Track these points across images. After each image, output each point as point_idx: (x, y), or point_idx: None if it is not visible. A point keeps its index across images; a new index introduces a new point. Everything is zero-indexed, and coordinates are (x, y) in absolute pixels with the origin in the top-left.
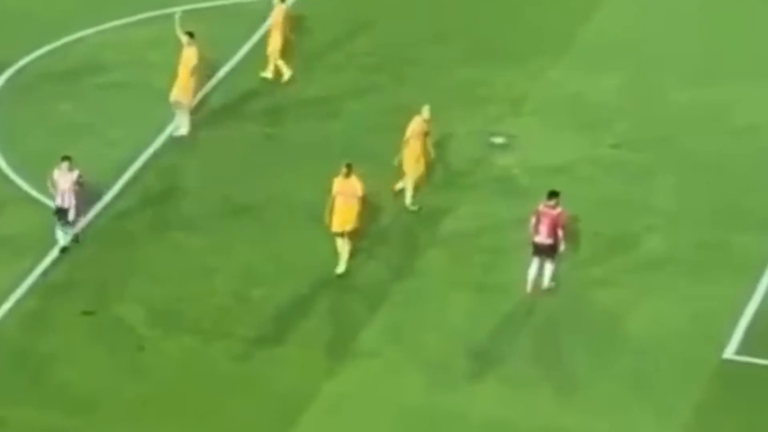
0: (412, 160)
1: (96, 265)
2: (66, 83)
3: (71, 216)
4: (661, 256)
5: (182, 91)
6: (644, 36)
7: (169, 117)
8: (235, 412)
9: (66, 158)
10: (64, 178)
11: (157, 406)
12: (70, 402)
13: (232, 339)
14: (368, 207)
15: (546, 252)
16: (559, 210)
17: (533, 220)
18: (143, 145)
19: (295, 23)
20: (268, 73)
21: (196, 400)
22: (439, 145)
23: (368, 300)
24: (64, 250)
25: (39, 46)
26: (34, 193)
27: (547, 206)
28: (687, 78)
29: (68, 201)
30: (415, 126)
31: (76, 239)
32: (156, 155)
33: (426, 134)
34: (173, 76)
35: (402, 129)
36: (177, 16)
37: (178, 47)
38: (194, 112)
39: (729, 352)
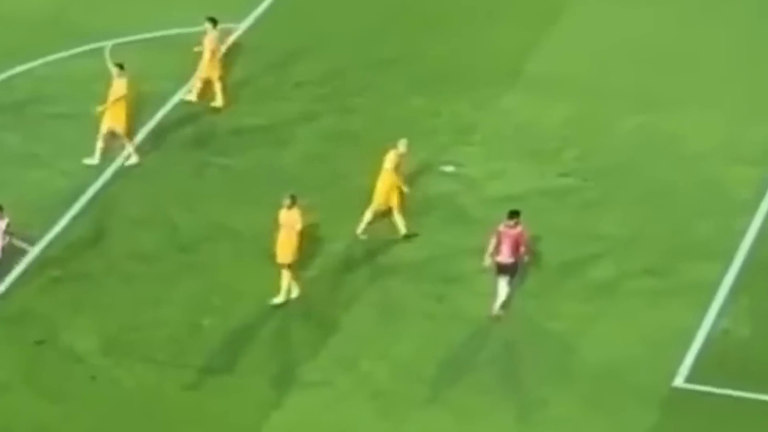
0: (382, 193)
1: (48, 296)
2: (12, 115)
3: None
4: (610, 283)
5: (117, 121)
6: (592, 65)
7: (117, 148)
8: None
9: None
10: None
11: None
12: (23, 431)
13: (184, 368)
14: (317, 236)
15: (508, 271)
16: (519, 229)
17: (494, 241)
18: (92, 175)
19: (229, 50)
20: (218, 102)
21: (147, 430)
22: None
23: (319, 329)
24: None
25: None
26: None
27: (507, 226)
28: (635, 106)
29: None
30: (391, 159)
31: None
32: (105, 186)
33: (398, 167)
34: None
35: (349, 158)
36: (107, 49)
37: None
38: (148, 141)
39: (679, 380)
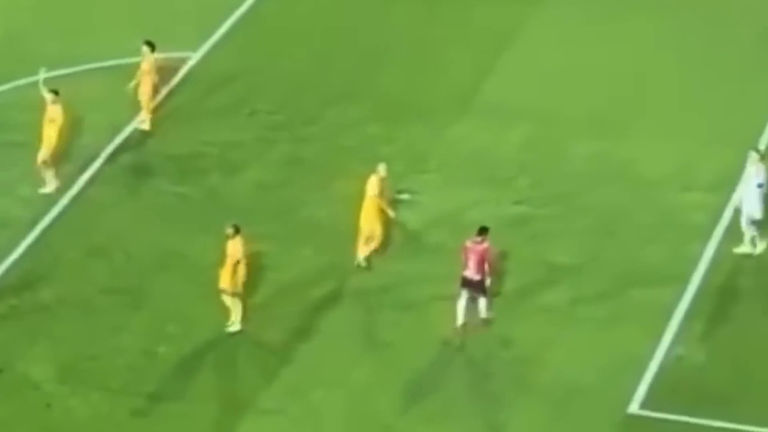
0: (368, 219)
1: (4, 324)
2: None
3: None
4: (565, 309)
5: (47, 146)
6: (546, 92)
7: (75, 175)
8: None
9: None
10: None
11: None
12: None
13: (139, 396)
14: (271, 264)
15: (474, 287)
16: (485, 246)
17: (462, 256)
18: (48, 204)
19: (166, 73)
20: (146, 125)
21: None
22: (339, 200)
23: (273, 357)
24: None
25: None
26: None
27: (474, 242)
28: (589, 133)
29: None
30: (373, 185)
31: None
32: (61, 214)
33: (380, 193)
34: (39, 135)
35: (303, 186)
36: (41, 75)
37: (81, 106)
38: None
39: (634, 407)
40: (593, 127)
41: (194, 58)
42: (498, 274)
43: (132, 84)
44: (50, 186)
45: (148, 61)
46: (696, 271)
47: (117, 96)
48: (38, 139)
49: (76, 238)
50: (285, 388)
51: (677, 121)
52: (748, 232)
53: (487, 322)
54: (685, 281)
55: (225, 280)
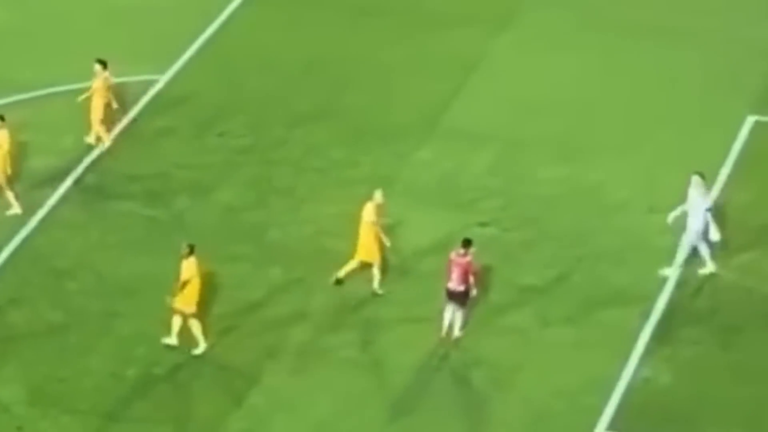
0: (365, 246)
1: None
2: None
3: None
4: (531, 332)
5: None
6: (510, 117)
7: (44, 198)
8: None
9: None
10: None
11: None
12: None
13: (108, 419)
14: (238, 286)
15: (457, 299)
16: (468, 258)
17: (446, 268)
18: (17, 226)
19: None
20: (91, 139)
21: None
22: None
23: (243, 378)
24: None
25: None
26: None
27: (457, 254)
28: (554, 156)
29: None
30: (369, 211)
31: None
32: (30, 236)
33: (377, 220)
34: None
35: (271, 208)
36: None
37: (47, 129)
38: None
39: (601, 429)
40: (558, 151)
41: (161, 81)
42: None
43: (83, 97)
44: (15, 208)
45: (99, 79)
46: (661, 293)
47: (84, 118)
48: None
49: (43, 260)
50: (253, 410)
51: (640, 145)
52: (702, 250)
53: (457, 341)
54: (651, 303)
55: (177, 300)
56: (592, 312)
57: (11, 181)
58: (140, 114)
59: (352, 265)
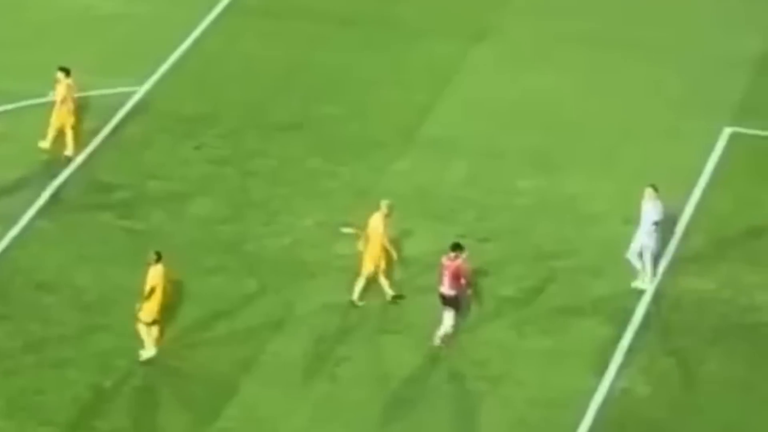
0: (373, 257)
1: None
2: None
3: None
4: (510, 344)
5: None
6: (486, 128)
7: (21, 211)
8: None
9: None
10: None
11: None
12: None
13: (86, 431)
14: (218, 297)
15: (448, 302)
16: (458, 262)
17: (438, 272)
18: None
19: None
20: (69, 151)
21: None
22: (284, 233)
23: (219, 391)
24: None
25: None
26: None
27: (448, 258)
28: (531, 168)
29: None
30: (377, 222)
31: None
32: (9, 249)
33: (386, 231)
34: None
35: (249, 219)
36: None
37: (24, 141)
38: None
39: None
40: (535, 162)
41: (139, 92)
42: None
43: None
44: None
45: (62, 86)
46: (639, 304)
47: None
48: None
49: (21, 273)
50: (230, 421)
51: (617, 156)
52: (637, 265)
53: (446, 338)
54: (628, 314)
55: (141, 308)
56: (569, 323)
57: None
58: (118, 125)
59: (382, 277)
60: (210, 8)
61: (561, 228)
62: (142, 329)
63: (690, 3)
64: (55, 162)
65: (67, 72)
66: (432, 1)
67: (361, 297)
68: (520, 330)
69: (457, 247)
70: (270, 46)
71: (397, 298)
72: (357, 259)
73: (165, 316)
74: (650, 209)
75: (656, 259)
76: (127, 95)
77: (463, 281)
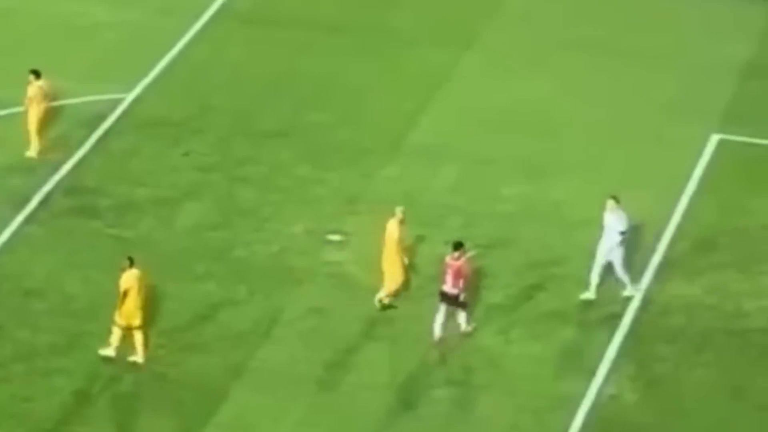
0: (390, 263)
1: None
2: None
3: None
4: (497, 351)
5: None
6: (474, 135)
7: (10, 217)
8: None
9: None
10: None
11: None
12: None
13: None
14: (208, 304)
15: (451, 301)
16: (461, 261)
17: (441, 271)
18: None
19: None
20: (32, 152)
21: None
22: (272, 240)
23: (209, 397)
24: None
25: None
26: None
27: (451, 257)
28: (518, 175)
29: None
30: (393, 228)
31: None
32: None
33: (401, 237)
34: None
35: (238, 226)
36: None
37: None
38: (40, 211)
39: None
40: (522, 169)
41: (127, 99)
42: (427, 317)
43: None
44: None
45: (33, 88)
46: (627, 310)
47: (50, 137)
48: None
49: (10, 280)
50: (219, 428)
51: (604, 163)
52: (595, 279)
53: (467, 335)
54: (616, 321)
55: (130, 314)
56: (556, 329)
57: None
58: (106, 132)
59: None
60: (198, 15)
61: (549, 234)
62: (116, 331)
63: (677, 10)
64: (43, 169)
65: (37, 74)
66: (421, 9)
67: (391, 300)
68: (507, 337)
69: (459, 246)
70: (258, 54)
71: (387, 307)
72: (344, 266)
73: (156, 323)
74: (614, 221)
75: (626, 266)
76: (116, 102)
77: (462, 281)
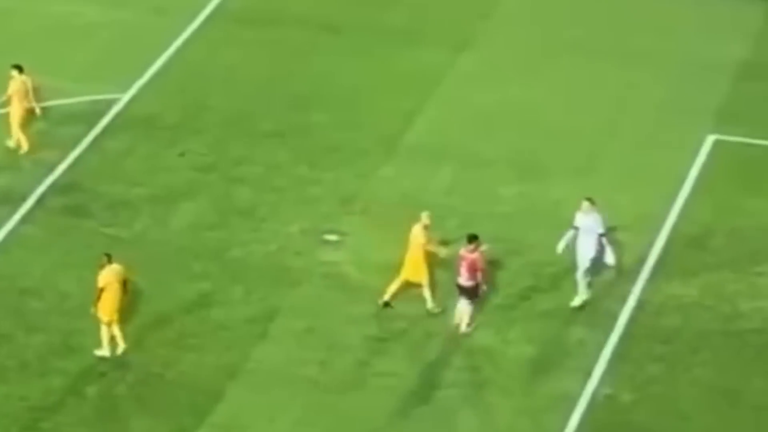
0: (411, 266)
1: None
2: None
3: None
4: (492, 352)
5: None
6: (471, 135)
7: (5, 217)
8: None
9: None
10: None
11: None
12: None
13: None
14: (205, 304)
15: (467, 293)
16: (476, 254)
17: (456, 263)
18: None
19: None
20: (12, 143)
21: None
22: (269, 240)
23: (203, 397)
24: None
25: None
26: None
27: (466, 250)
28: (515, 174)
29: None
30: (419, 234)
31: None
32: None
33: (428, 241)
34: None
35: (234, 226)
36: None
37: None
38: (36, 210)
39: None
40: (518, 169)
41: (123, 99)
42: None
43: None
44: None
45: (15, 83)
46: (623, 310)
47: (48, 137)
48: None
49: (6, 279)
50: (215, 428)
51: (600, 163)
52: (583, 280)
53: (465, 335)
54: (612, 321)
55: (98, 308)
56: (553, 330)
57: None
58: (102, 132)
59: (396, 284)
60: (194, 16)
61: (544, 235)
62: (103, 329)
63: (673, 11)
64: (39, 168)
65: (20, 69)
66: (417, 10)
67: (438, 304)
68: (505, 337)
69: (474, 239)
70: (254, 54)
71: (435, 313)
72: (340, 266)
73: (152, 323)
74: (592, 223)
75: (590, 272)
76: (111, 102)
77: (480, 273)
